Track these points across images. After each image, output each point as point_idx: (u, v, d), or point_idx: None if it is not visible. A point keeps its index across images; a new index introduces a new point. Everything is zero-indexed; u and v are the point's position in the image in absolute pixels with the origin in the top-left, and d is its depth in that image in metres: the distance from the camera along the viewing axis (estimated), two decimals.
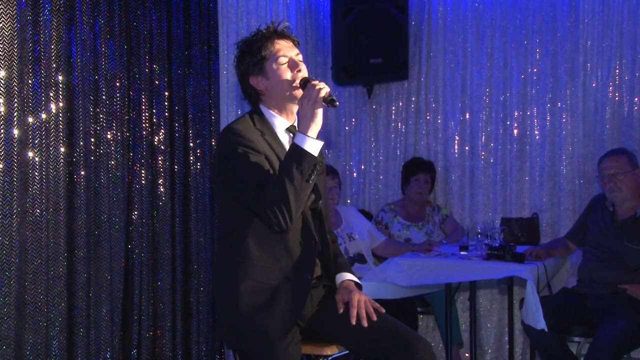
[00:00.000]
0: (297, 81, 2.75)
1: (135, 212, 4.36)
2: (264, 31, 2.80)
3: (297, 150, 2.58)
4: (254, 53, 2.77)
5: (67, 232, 3.85)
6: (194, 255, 4.74)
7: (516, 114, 5.41)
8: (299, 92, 2.75)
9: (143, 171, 4.41)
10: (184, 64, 4.72)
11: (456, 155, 5.59)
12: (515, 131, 5.42)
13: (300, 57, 2.81)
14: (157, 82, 4.52)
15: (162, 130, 4.54)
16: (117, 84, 4.24)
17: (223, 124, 4.88)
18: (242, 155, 2.62)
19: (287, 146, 2.79)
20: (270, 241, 2.67)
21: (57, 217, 3.78)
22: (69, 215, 3.88)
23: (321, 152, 2.64)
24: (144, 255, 4.40)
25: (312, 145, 2.59)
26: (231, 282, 2.67)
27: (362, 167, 5.90)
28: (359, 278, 2.96)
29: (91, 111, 4.06)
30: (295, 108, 2.83)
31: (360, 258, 4.78)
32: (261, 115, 2.80)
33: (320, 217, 2.86)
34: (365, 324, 2.66)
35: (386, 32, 5.42)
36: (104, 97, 4.14)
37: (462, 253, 4.27)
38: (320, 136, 2.63)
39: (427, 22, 5.65)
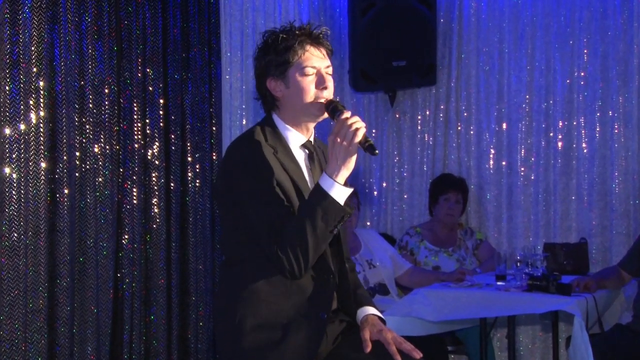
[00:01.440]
0: (320, 100, 2.73)
1: (126, 236, 4.36)
2: (297, 31, 2.77)
3: (323, 197, 2.57)
4: (279, 52, 2.73)
5: (48, 258, 3.86)
6: (192, 285, 4.73)
7: (561, 124, 5.38)
8: (320, 113, 2.74)
9: (135, 189, 4.41)
10: (182, 68, 4.73)
11: (491, 172, 5.56)
12: (560, 144, 5.38)
13: (330, 70, 2.78)
14: (150, 89, 4.53)
15: (157, 143, 4.55)
16: (106, 91, 4.25)
17: (225, 135, 4.89)
18: (253, 182, 2.60)
19: (302, 165, 2.78)
20: (278, 273, 2.66)
21: (37, 242, 3.79)
22: (50, 239, 3.88)
23: (348, 202, 2.64)
24: (135, 286, 4.39)
25: (340, 193, 2.59)
26: (234, 318, 2.66)
27: (384, 184, 5.89)
28: (380, 312, 2.94)
29: (76, 121, 4.07)
30: (312, 125, 2.82)
31: (381, 288, 4.76)
32: (274, 128, 2.77)
33: (339, 242, 2.84)
34: (417, 356, 2.62)
35: (411, 31, 5.41)
36: (90, 105, 4.16)
37: (498, 283, 4.24)
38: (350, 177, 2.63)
39: (457, 19, 5.65)
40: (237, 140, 2.75)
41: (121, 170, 4.37)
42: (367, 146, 2.57)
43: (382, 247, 4.97)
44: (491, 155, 5.57)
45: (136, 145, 4.44)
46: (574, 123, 5.34)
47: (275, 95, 2.77)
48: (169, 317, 4.58)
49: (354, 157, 2.60)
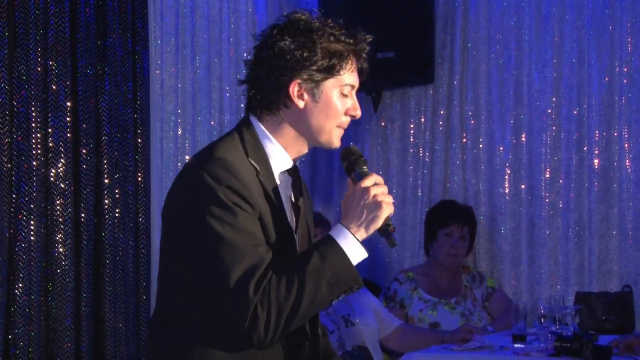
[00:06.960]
0: (342, 125, 2.76)
1: (20, 285, 4.33)
2: (349, 38, 2.74)
3: (337, 254, 2.61)
4: (325, 54, 2.69)
5: None
6: (109, 350, 4.70)
7: (597, 135, 5.42)
8: (328, 144, 2.76)
9: (32, 222, 4.38)
10: (96, 60, 4.72)
11: (507, 198, 5.58)
12: (596, 161, 5.41)
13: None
14: (54, 87, 4.51)
15: (62, 160, 4.52)
16: None
17: (155, 149, 4.87)
18: (229, 211, 2.54)
19: (283, 195, 2.74)
20: (242, 337, 2.64)
21: None
22: None
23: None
24: (32, 351, 4.36)
25: (356, 253, 2.64)
26: None
27: None
28: None
29: None
30: (311, 146, 2.81)
31: (362, 353, 4.75)
32: (256, 139, 2.74)
33: None
34: None
35: (402, 13, 5.44)
36: None
37: (516, 346, 4.26)
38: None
39: None
40: (207, 151, 2.69)
41: (14, 196, 4.34)
42: (383, 229, 2.70)
43: (363, 298, 4.97)
44: (506, 177, 5.59)
45: (34, 163, 4.41)
46: (615, 134, 5.38)
47: (294, 103, 2.71)
48: None
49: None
